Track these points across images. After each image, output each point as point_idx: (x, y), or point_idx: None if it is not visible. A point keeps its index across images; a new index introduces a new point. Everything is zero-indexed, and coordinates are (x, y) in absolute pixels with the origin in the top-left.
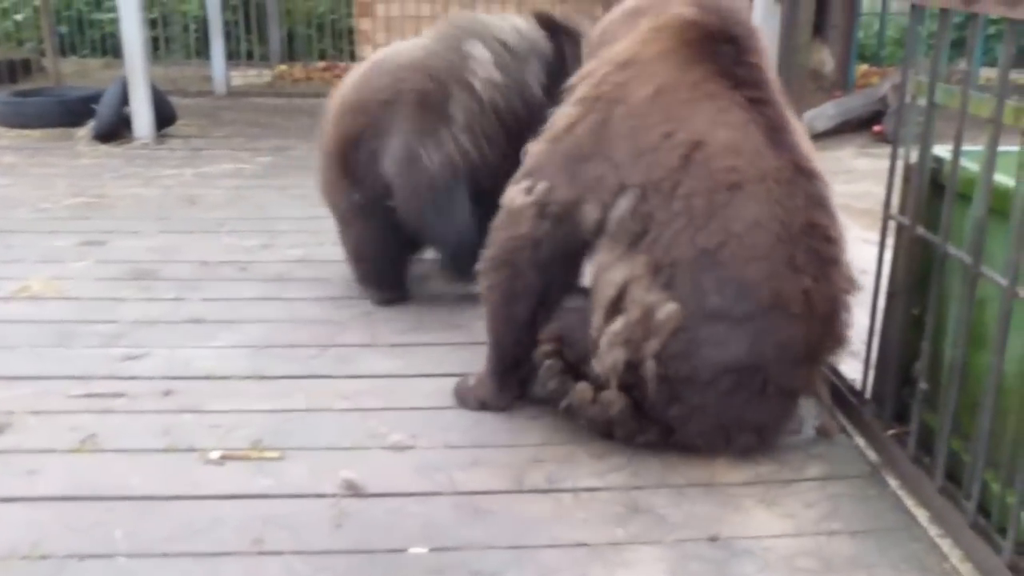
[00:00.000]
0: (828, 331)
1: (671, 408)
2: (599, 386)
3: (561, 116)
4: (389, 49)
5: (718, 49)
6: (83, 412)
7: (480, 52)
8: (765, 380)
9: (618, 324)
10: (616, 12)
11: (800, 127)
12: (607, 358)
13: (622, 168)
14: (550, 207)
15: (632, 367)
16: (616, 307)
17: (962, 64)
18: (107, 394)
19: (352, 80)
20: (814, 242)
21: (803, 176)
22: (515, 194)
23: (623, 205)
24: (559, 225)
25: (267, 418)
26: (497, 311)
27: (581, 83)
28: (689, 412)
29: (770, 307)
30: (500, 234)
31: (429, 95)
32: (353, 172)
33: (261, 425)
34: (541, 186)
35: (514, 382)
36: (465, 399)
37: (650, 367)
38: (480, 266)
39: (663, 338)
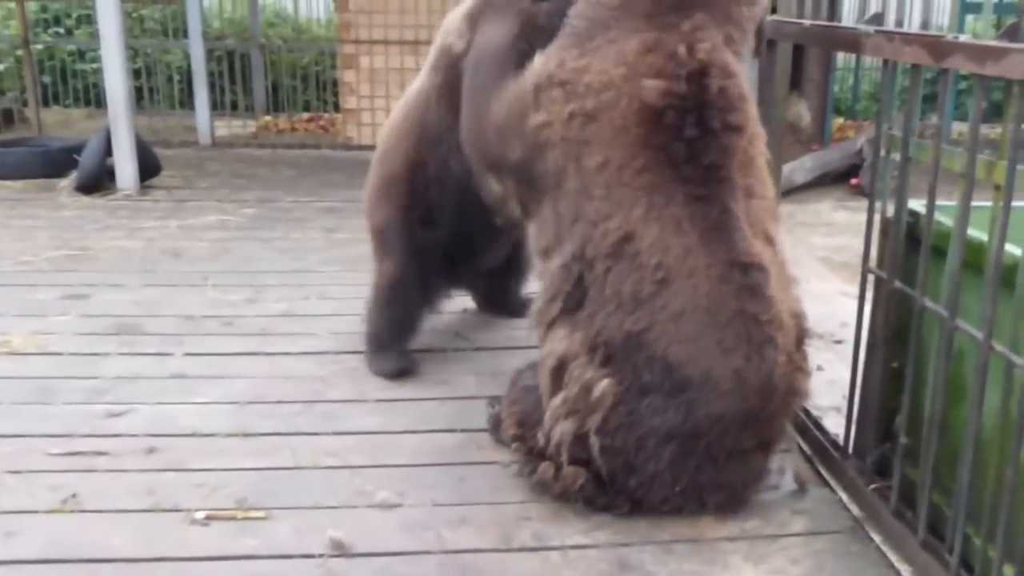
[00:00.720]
0: (768, 400)
1: (630, 478)
2: (560, 464)
3: (537, 119)
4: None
5: (679, 133)
6: (64, 471)
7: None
8: (710, 446)
9: (559, 399)
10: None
11: (745, 217)
12: (555, 432)
13: (562, 221)
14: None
15: (580, 440)
16: (558, 378)
17: (935, 119)
18: (89, 452)
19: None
20: (744, 327)
21: (736, 270)
22: (491, 182)
23: (557, 261)
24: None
25: (252, 476)
26: None
27: (558, 88)
28: (647, 481)
29: (700, 383)
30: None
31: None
32: (418, 190)
33: (246, 484)
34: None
35: None
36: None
37: (595, 441)
38: None
39: (603, 412)
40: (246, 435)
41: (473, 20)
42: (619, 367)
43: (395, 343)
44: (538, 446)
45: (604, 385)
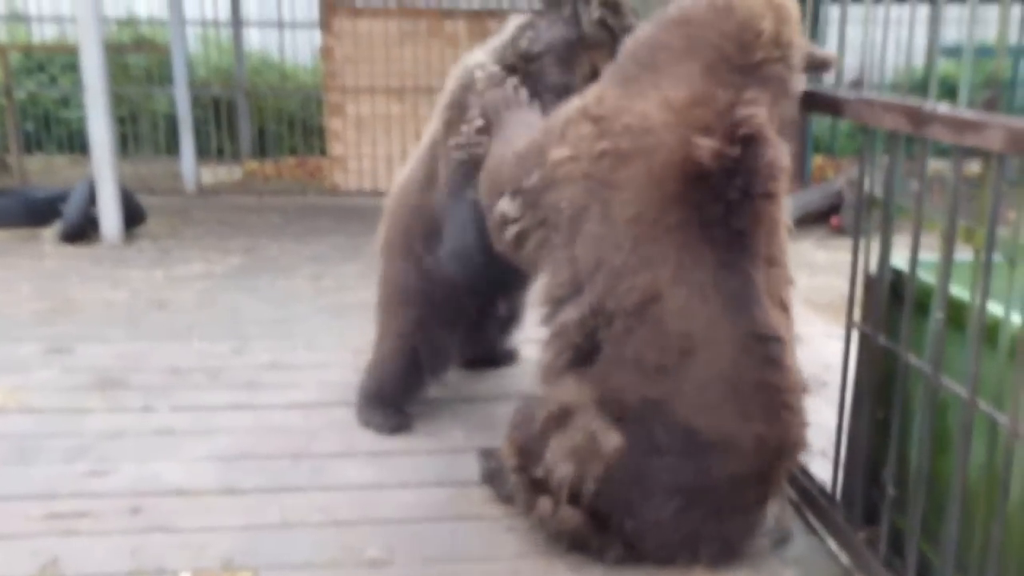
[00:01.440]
0: (782, 459)
1: (626, 522)
2: (558, 501)
3: (559, 153)
4: None
5: (716, 195)
6: (45, 534)
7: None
8: (719, 501)
9: (563, 441)
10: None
11: (765, 286)
12: (557, 473)
13: (579, 265)
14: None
15: (579, 482)
16: (558, 423)
17: (914, 183)
18: (71, 514)
19: None
20: (766, 396)
21: (758, 341)
22: (504, 203)
23: (570, 313)
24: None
25: (239, 535)
26: None
27: (590, 125)
28: (645, 527)
29: (721, 449)
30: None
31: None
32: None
33: (233, 542)
34: (526, 217)
35: None
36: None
37: (592, 487)
38: None
39: (606, 464)
40: (233, 492)
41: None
42: (631, 427)
43: (397, 402)
44: (538, 478)
45: (613, 439)
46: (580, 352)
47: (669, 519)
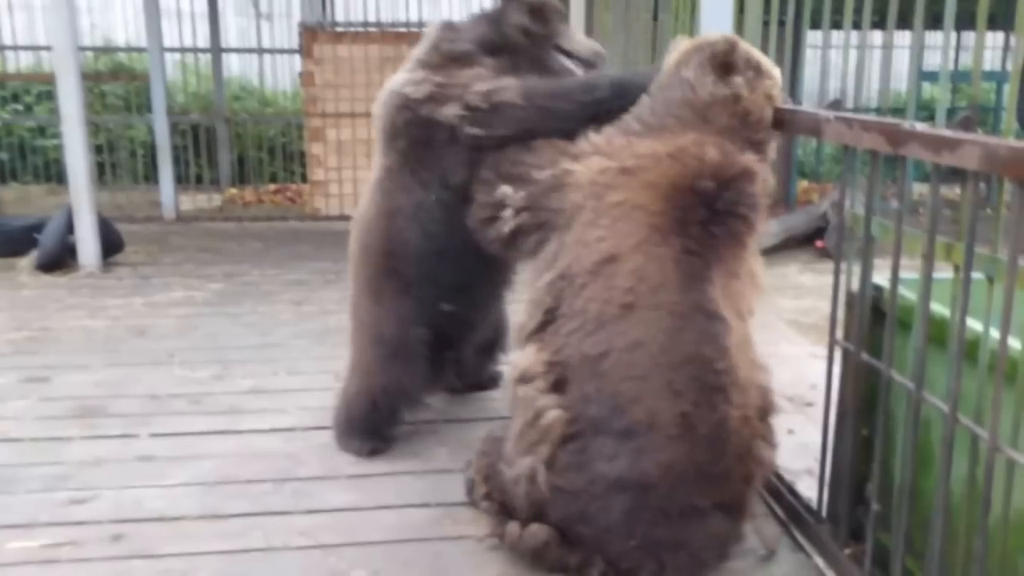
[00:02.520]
0: (718, 455)
1: (583, 528)
2: (525, 520)
3: (569, 167)
4: None
5: (704, 200)
6: (24, 564)
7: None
8: (661, 499)
9: (517, 426)
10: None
11: (722, 290)
12: (517, 467)
13: (564, 250)
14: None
15: (535, 477)
16: (516, 395)
17: (895, 200)
18: (51, 543)
19: None
20: (696, 371)
21: (701, 315)
22: (505, 189)
23: (546, 278)
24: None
25: (222, 560)
26: None
27: (598, 156)
28: (600, 533)
29: (647, 427)
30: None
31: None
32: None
33: (216, 568)
34: (520, 198)
35: None
36: None
37: (544, 478)
38: None
39: (552, 445)
40: (215, 517)
41: None
42: (571, 396)
43: (371, 430)
44: (506, 500)
45: (552, 415)
46: (547, 315)
47: (619, 522)
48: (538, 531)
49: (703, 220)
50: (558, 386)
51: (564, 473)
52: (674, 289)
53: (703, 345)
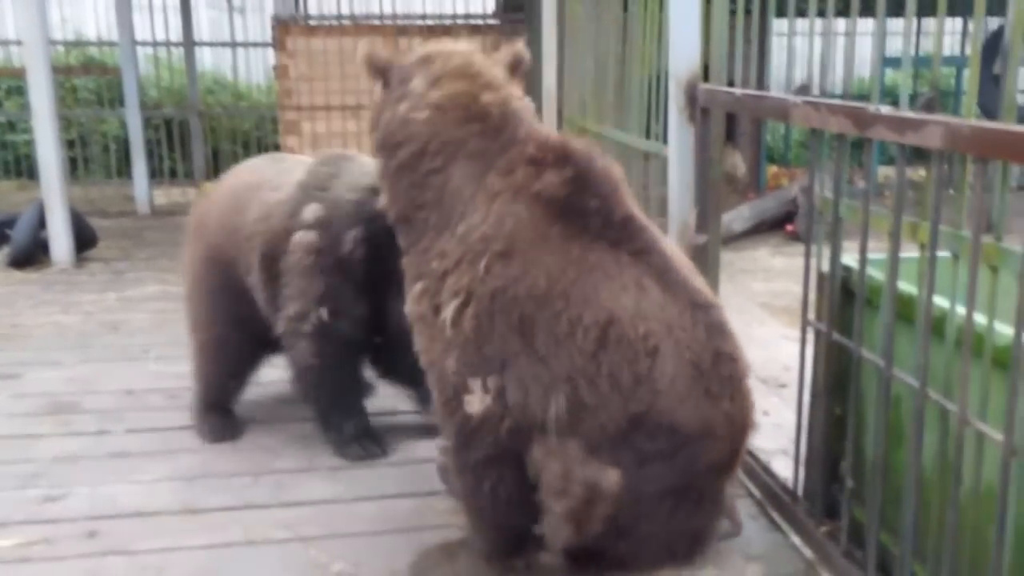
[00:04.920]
0: (746, 436)
1: (619, 546)
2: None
3: (448, 312)
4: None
5: (587, 209)
6: None
7: (308, 214)
8: (701, 491)
9: (563, 506)
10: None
11: (679, 255)
12: (556, 537)
13: (548, 361)
14: (509, 417)
15: (581, 533)
16: (563, 491)
17: (862, 181)
18: (24, 542)
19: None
20: (723, 368)
21: (700, 310)
22: (472, 401)
23: (560, 402)
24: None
25: (202, 555)
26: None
27: (452, 275)
28: (639, 542)
29: (699, 436)
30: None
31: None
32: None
33: (196, 563)
34: (492, 382)
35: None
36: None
37: (595, 528)
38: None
39: (611, 501)
40: (194, 512)
41: None
42: (619, 453)
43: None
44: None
45: (611, 476)
46: (569, 427)
47: (659, 528)
48: (553, 560)
49: (605, 219)
50: (607, 457)
51: (619, 516)
52: (667, 300)
53: (718, 340)
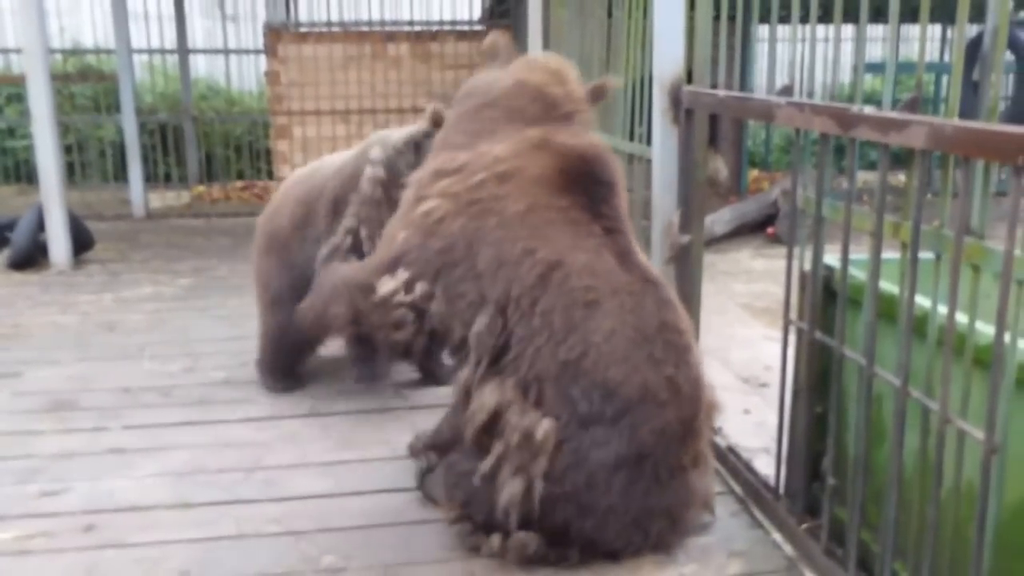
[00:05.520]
0: (698, 407)
1: (585, 521)
2: (507, 531)
3: (428, 204)
4: (322, 160)
5: (589, 185)
6: None
7: (375, 154)
8: (656, 465)
9: (498, 454)
10: (483, 105)
11: (643, 254)
12: (502, 498)
13: (483, 280)
14: (428, 319)
15: (528, 495)
16: (490, 431)
17: (845, 172)
18: (23, 535)
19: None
20: (668, 336)
21: (651, 285)
22: (387, 280)
23: (481, 321)
24: (431, 336)
25: (195, 548)
26: None
27: (452, 176)
28: (601, 518)
29: (639, 400)
30: (367, 315)
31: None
32: (292, 257)
33: (189, 556)
34: (419, 287)
35: None
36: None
37: (542, 489)
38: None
39: (548, 455)
40: (187, 506)
41: None
42: (556, 402)
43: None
44: (481, 519)
45: (545, 426)
46: (495, 352)
47: (618, 500)
48: (525, 539)
49: (600, 198)
50: (538, 402)
51: (562, 478)
52: (620, 270)
53: (664, 311)
